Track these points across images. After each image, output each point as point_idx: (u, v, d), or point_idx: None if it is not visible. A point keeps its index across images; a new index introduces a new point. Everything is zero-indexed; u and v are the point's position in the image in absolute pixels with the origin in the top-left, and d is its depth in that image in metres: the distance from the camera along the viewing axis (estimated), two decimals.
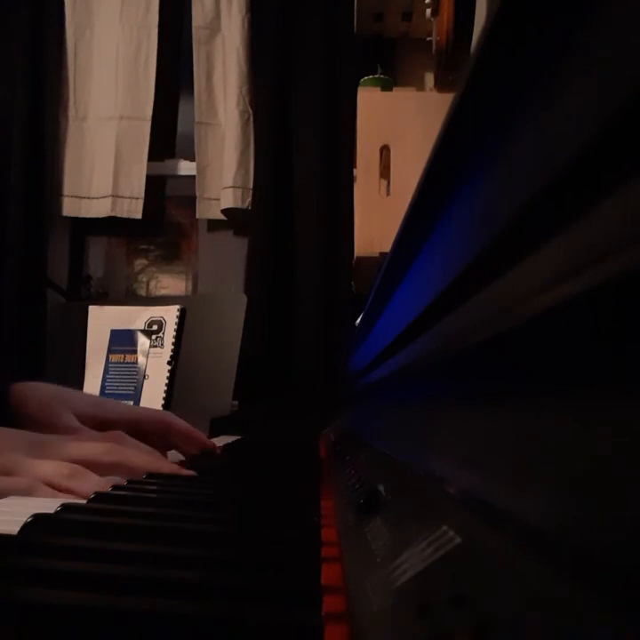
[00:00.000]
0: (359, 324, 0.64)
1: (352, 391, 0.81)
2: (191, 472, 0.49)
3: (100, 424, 0.57)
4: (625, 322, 0.11)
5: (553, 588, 0.10)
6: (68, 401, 0.58)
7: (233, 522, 0.32)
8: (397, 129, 1.12)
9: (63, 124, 1.56)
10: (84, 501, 0.35)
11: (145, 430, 0.58)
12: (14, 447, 0.44)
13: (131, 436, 0.52)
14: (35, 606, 0.18)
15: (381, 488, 0.27)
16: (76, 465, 0.42)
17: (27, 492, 0.39)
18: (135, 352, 1.20)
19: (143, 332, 1.21)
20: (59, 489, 0.41)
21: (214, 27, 1.56)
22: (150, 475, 0.47)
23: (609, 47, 0.11)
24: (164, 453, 0.58)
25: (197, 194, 1.54)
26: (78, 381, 1.21)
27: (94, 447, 0.47)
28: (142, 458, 0.49)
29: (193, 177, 1.55)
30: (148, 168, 1.54)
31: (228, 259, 1.57)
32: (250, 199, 1.49)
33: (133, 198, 1.53)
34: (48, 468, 0.42)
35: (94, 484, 0.41)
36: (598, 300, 0.11)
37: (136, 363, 1.19)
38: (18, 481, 0.40)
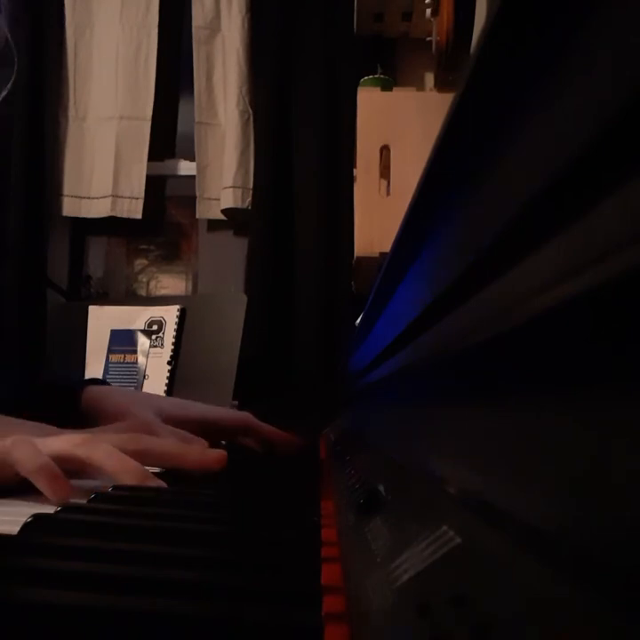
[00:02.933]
0: (359, 324, 0.64)
1: (352, 391, 0.81)
2: (214, 462, 0.47)
3: (181, 423, 0.56)
4: (625, 322, 0.11)
5: (553, 588, 0.10)
6: (149, 400, 0.58)
7: (233, 522, 0.32)
8: (397, 129, 1.12)
9: (63, 124, 1.56)
10: (85, 500, 0.35)
11: (226, 430, 0.57)
12: (28, 433, 0.43)
13: (211, 436, 0.51)
14: (35, 606, 0.18)
15: (381, 488, 0.27)
16: (88, 435, 0.41)
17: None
18: (135, 352, 1.20)
19: (143, 332, 1.21)
20: (69, 459, 0.39)
21: (214, 27, 1.56)
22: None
23: (609, 47, 0.11)
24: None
25: (197, 194, 1.54)
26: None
27: (113, 438, 0.46)
28: (165, 445, 0.48)
29: (193, 177, 1.55)
30: (148, 168, 1.54)
31: (228, 259, 1.57)
32: (250, 199, 1.49)
33: (133, 198, 1.53)
34: (57, 441, 0.40)
35: (108, 451, 0.40)
36: (599, 300, 0.11)
37: (136, 363, 1.19)
38: None
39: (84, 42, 1.58)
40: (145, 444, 0.46)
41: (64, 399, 0.52)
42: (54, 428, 0.46)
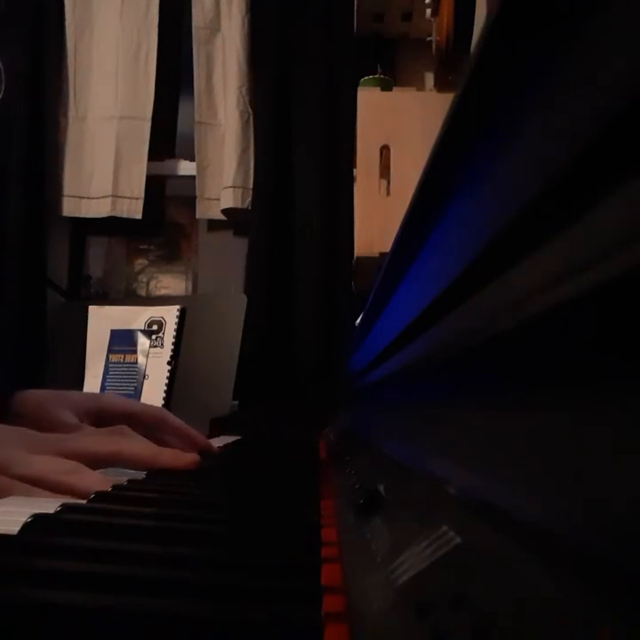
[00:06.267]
0: (359, 324, 0.64)
1: (352, 391, 0.81)
2: (192, 461, 0.49)
3: (97, 417, 0.58)
4: (626, 322, 0.11)
5: (553, 588, 0.10)
6: (64, 398, 0.59)
7: (233, 522, 0.32)
8: (397, 129, 1.12)
9: (63, 124, 1.56)
10: (84, 501, 0.35)
11: (140, 424, 0.58)
12: (10, 443, 0.43)
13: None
14: (35, 606, 0.18)
15: (381, 488, 0.27)
16: (73, 461, 0.42)
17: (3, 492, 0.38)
18: (135, 352, 1.20)
19: (143, 332, 1.21)
20: (57, 486, 0.40)
21: (214, 27, 1.56)
22: (150, 473, 0.46)
23: (609, 47, 0.11)
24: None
25: (197, 194, 1.54)
26: (78, 381, 1.21)
27: (91, 440, 0.47)
28: (140, 447, 0.49)
29: (193, 177, 1.55)
30: (148, 168, 1.54)
31: (228, 259, 1.57)
32: (250, 199, 1.49)
33: (133, 198, 1.53)
34: (45, 463, 0.41)
35: (95, 480, 0.41)
36: (599, 299, 0.11)
37: (136, 363, 1.19)
38: None
39: (84, 42, 1.58)
40: (119, 447, 0.47)
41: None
42: (37, 434, 0.47)
